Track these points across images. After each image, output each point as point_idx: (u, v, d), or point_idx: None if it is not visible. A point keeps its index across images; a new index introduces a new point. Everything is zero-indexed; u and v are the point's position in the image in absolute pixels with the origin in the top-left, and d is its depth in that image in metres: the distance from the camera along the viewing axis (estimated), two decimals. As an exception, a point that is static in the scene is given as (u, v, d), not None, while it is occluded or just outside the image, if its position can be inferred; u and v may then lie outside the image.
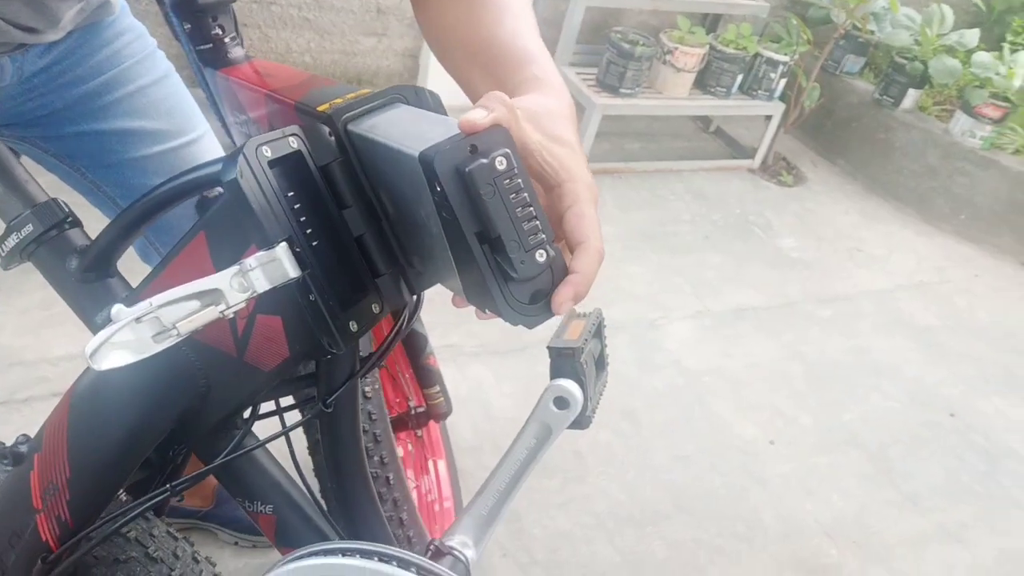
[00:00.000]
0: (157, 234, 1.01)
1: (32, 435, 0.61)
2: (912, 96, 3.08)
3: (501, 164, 0.43)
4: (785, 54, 2.93)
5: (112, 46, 0.89)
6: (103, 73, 0.89)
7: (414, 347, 1.24)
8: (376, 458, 1.05)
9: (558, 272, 0.47)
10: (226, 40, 0.87)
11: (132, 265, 0.67)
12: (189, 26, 0.86)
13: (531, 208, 0.45)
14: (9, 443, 0.61)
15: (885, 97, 3.13)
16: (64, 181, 0.97)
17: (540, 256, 0.45)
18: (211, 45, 0.86)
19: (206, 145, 0.99)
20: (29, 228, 0.56)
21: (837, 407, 2.07)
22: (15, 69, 0.81)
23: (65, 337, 1.67)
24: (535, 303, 0.47)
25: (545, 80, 0.57)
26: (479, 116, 0.44)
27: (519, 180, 0.44)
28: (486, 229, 0.44)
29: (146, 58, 0.93)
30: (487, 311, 0.50)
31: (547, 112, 0.53)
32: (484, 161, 0.43)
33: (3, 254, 0.57)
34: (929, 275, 2.73)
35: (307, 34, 2.81)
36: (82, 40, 0.87)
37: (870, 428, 2.02)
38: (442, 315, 1.95)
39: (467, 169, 0.43)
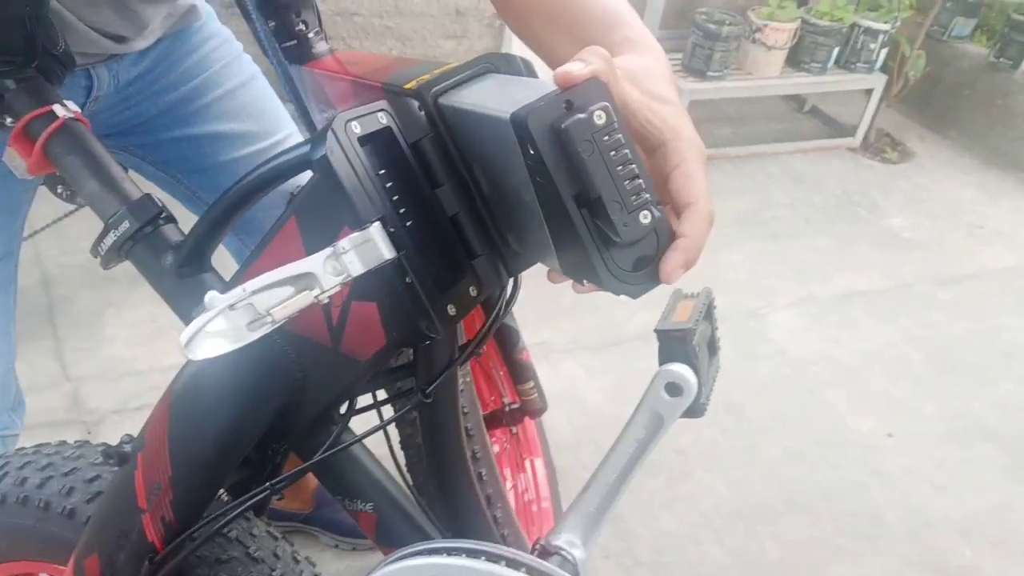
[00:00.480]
0: (254, 237, 1.02)
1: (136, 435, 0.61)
2: (1033, 56, 2.84)
3: (600, 119, 0.40)
4: (885, 22, 2.75)
5: (200, 51, 0.91)
6: (193, 78, 0.90)
7: (506, 342, 1.21)
8: (468, 452, 1.02)
9: (663, 236, 0.44)
10: (310, 35, 0.86)
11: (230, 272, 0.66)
12: (273, 24, 0.86)
13: (633, 166, 0.41)
14: (114, 443, 0.61)
15: (1002, 59, 2.89)
16: (163, 190, 0.99)
17: (644, 218, 0.42)
18: (295, 41, 0.85)
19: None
20: (125, 225, 0.55)
21: (964, 395, 1.91)
22: (111, 77, 0.83)
23: (173, 347, 1.72)
24: (639, 270, 0.43)
25: (639, 41, 0.54)
26: (577, 68, 0.41)
27: (619, 136, 0.40)
28: (585, 190, 0.41)
29: (233, 61, 0.94)
30: (586, 283, 0.46)
31: (645, 71, 0.50)
32: (581, 116, 0.39)
33: (102, 253, 0.57)
34: (1062, 250, 2.50)
35: (389, 42, 2.85)
36: (172, 47, 0.88)
37: (1004, 417, 1.85)
38: (532, 311, 1.92)
39: (563, 126, 0.39)
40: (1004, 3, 2.85)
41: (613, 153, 0.40)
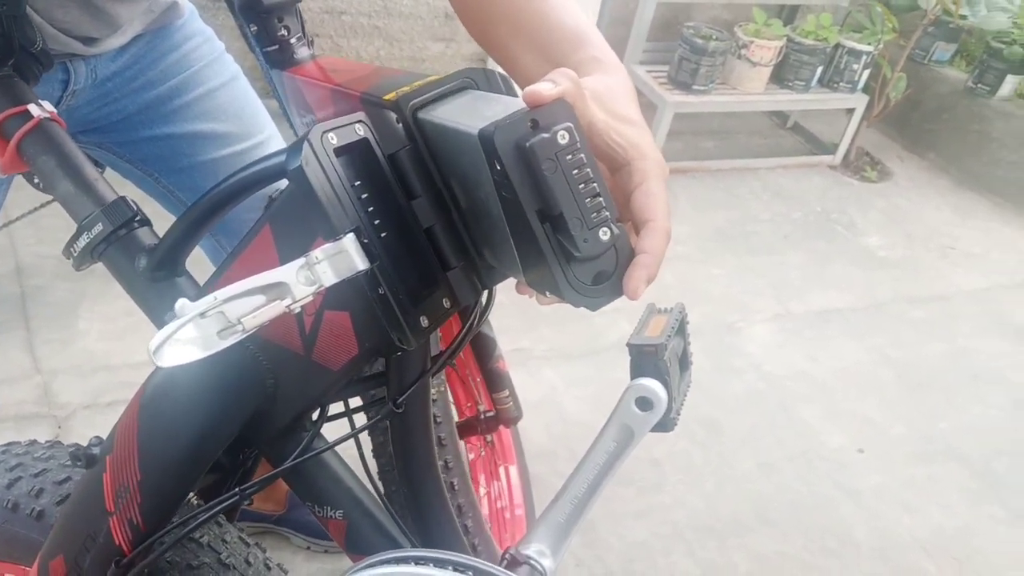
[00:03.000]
0: (229, 238, 1.01)
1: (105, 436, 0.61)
2: (1011, 83, 2.89)
3: (563, 138, 0.42)
4: (868, 44, 2.79)
5: (181, 50, 0.90)
6: (173, 77, 0.90)
7: (483, 350, 1.21)
8: (441, 462, 1.02)
9: (623, 252, 0.45)
10: (292, 41, 0.86)
11: (207, 272, 0.66)
12: (255, 28, 0.85)
13: (594, 184, 0.43)
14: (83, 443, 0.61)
15: (980, 86, 2.94)
16: (140, 188, 0.98)
17: (604, 234, 0.43)
18: (277, 46, 0.85)
19: (273, 147, 0.99)
20: (99, 227, 0.55)
21: (933, 415, 1.94)
22: (88, 71, 0.83)
23: (148, 343, 1.71)
24: (598, 284, 0.45)
25: (605, 61, 0.55)
26: (546, 88, 0.42)
27: (581, 155, 0.42)
28: (547, 206, 0.42)
29: (214, 61, 0.94)
30: (548, 294, 0.47)
31: (610, 91, 0.51)
32: (545, 136, 0.41)
33: (75, 254, 0.56)
34: (1032, 273, 2.55)
35: (377, 42, 2.84)
36: (152, 44, 0.88)
37: (971, 438, 1.88)
38: (512, 319, 1.93)
39: (527, 144, 0.41)
40: (983, 30, 2.90)
41: (575, 172, 0.42)
